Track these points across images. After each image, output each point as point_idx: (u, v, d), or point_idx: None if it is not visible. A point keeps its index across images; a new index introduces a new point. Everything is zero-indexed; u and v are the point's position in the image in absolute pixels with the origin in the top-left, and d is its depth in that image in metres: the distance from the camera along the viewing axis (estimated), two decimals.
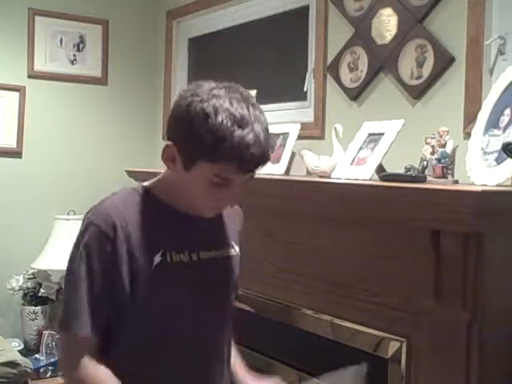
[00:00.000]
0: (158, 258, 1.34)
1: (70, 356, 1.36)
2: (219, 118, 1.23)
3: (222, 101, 1.25)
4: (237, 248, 1.52)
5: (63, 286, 1.42)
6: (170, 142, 1.31)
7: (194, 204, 1.36)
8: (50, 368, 3.26)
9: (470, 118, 2.09)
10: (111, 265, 1.31)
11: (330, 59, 2.71)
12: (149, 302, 1.34)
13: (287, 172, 2.54)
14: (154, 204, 1.38)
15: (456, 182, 1.92)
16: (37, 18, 3.64)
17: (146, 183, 1.44)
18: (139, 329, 1.35)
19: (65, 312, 1.35)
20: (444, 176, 1.93)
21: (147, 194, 1.40)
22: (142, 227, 1.34)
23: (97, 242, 1.31)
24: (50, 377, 3.24)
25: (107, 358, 1.34)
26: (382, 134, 2.11)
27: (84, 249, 1.32)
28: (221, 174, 1.27)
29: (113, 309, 1.33)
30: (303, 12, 2.94)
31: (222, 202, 1.36)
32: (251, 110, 1.26)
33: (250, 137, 1.23)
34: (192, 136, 1.25)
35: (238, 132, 1.22)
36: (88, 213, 1.37)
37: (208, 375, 1.45)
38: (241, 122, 1.23)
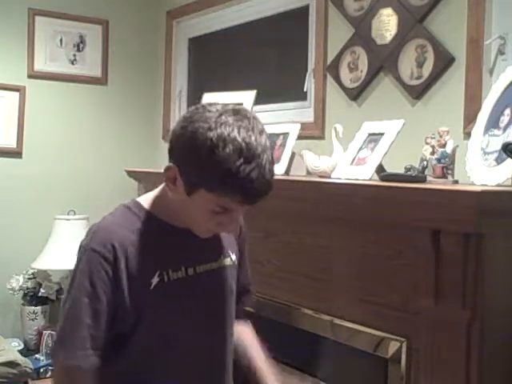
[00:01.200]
0: (155, 280, 1.32)
1: None
2: (226, 151, 1.18)
3: (230, 129, 1.20)
4: (233, 256, 1.51)
5: (63, 312, 1.33)
6: (172, 164, 1.28)
7: (190, 225, 1.35)
8: (50, 368, 3.26)
9: (470, 118, 2.09)
10: (113, 289, 1.29)
11: (330, 59, 2.71)
12: (148, 320, 1.33)
13: (287, 172, 2.54)
14: (150, 223, 1.36)
15: (456, 182, 1.92)
16: (37, 18, 3.64)
17: (140, 199, 1.41)
18: (139, 344, 1.34)
19: (65, 340, 1.30)
20: (444, 176, 1.93)
21: (143, 212, 1.38)
22: (139, 249, 1.32)
23: (97, 268, 1.28)
24: (50, 377, 3.23)
25: (106, 370, 1.33)
26: (382, 134, 2.11)
27: (85, 276, 1.29)
28: (222, 205, 1.25)
29: (115, 331, 1.32)
30: (303, 12, 2.94)
31: (220, 227, 1.35)
32: (259, 138, 1.22)
33: (256, 172, 1.20)
34: (197, 165, 1.22)
35: (244, 167, 1.19)
36: (85, 238, 1.34)
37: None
38: (248, 155, 1.19)
